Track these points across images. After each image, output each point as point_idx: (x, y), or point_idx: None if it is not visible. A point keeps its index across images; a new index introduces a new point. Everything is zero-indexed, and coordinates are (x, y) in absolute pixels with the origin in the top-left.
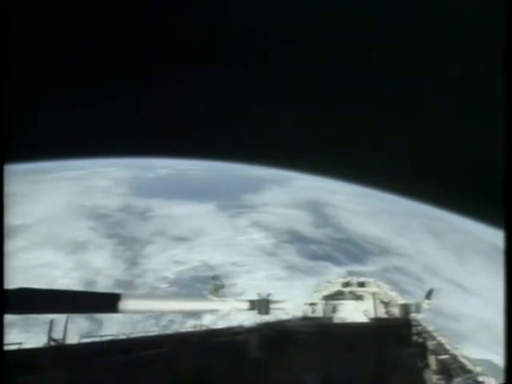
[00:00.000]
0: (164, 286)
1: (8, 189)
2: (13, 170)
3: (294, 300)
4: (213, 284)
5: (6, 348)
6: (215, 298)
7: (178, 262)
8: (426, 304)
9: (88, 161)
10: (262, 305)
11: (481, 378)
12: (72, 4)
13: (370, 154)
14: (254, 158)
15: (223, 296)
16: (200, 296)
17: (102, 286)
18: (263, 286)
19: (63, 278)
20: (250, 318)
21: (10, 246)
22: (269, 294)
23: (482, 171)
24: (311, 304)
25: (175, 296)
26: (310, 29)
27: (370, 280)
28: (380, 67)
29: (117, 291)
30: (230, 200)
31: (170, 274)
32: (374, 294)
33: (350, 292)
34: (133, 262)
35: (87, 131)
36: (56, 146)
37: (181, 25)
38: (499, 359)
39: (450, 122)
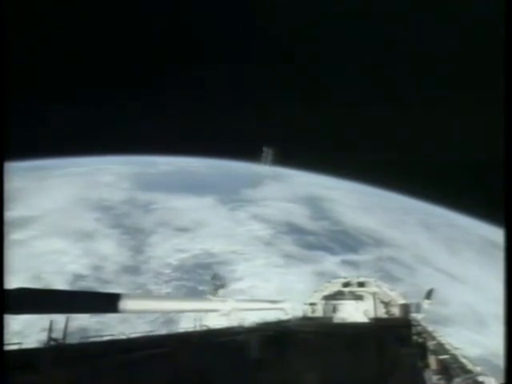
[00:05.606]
0: (168, 271)
1: (16, 185)
2: (23, 166)
3: (294, 299)
4: (213, 284)
5: (6, 348)
6: (215, 298)
7: (180, 250)
8: (426, 304)
9: (93, 158)
10: (265, 155)
11: (481, 378)
12: (72, 4)
13: (369, 153)
14: (254, 156)
15: (223, 296)
16: (202, 282)
17: (110, 270)
18: (261, 273)
19: (72, 263)
20: (249, 318)
21: (22, 235)
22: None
23: (478, 170)
24: (311, 304)
25: (175, 296)
26: (309, 30)
27: (370, 280)
28: (379, 67)
29: (123, 278)
30: (230, 194)
31: (173, 261)
32: (373, 294)
33: (350, 292)
34: (138, 250)
35: (92, 130)
36: (63, 144)
37: (182, 25)
38: (483, 339)
39: (448, 122)
